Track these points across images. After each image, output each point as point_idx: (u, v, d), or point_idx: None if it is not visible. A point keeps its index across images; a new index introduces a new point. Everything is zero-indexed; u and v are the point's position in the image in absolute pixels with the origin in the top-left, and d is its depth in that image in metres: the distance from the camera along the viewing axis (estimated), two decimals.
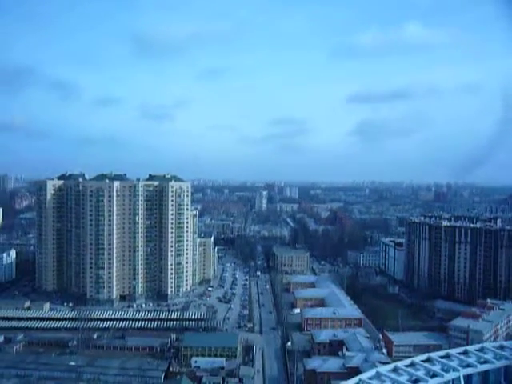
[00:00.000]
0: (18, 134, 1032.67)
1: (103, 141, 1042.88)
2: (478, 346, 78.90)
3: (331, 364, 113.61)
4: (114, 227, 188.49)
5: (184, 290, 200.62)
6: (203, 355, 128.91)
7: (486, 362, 72.50)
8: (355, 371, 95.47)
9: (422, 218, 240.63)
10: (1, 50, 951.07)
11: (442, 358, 73.97)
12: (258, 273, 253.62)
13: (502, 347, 77.27)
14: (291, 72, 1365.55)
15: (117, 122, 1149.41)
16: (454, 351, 76.85)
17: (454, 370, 69.89)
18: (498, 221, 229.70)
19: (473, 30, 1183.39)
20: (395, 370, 70.66)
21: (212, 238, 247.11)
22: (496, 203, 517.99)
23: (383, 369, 71.54)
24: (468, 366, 71.07)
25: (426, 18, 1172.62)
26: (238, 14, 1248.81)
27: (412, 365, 72.02)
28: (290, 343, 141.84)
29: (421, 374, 68.61)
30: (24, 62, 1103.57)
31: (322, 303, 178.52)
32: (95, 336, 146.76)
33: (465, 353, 76.02)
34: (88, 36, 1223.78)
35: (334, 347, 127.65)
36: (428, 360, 73.52)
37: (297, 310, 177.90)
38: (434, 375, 68.35)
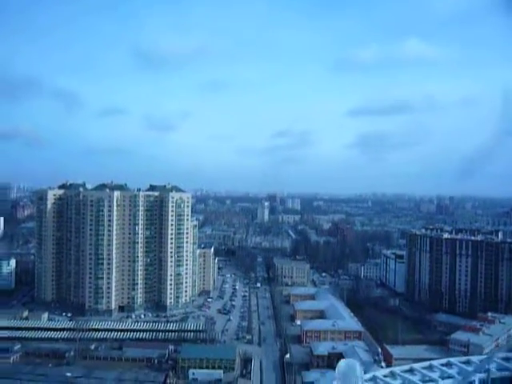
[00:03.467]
0: (21, 143, 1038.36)
1: (106, 151, 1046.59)
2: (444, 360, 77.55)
3: (329, 377, 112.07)
4: (114, 237, 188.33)
5: (183, 300, 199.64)
6: (201, 367, 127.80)
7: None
8: None
9: (423, 231, 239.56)
10: (3, 61, 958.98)
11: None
12: (258, 284, 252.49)
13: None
14: (293, 85, 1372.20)
15: (119, 132, 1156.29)
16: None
17: None
18: (500, 233, 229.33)
19: (472, 44, 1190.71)
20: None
21: (212, 248, 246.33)
22: (498, 216, 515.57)
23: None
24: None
25: (426, 33, 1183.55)
26: (241, 28, 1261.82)
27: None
28: (288, 355, 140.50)
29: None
30: (27, 72, 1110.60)
31: (321, 315, 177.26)
32: (92, 347, 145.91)
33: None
34: (90, 47, 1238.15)
35: (333, 360, 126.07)
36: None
37: (298, 322, 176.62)
38: None
